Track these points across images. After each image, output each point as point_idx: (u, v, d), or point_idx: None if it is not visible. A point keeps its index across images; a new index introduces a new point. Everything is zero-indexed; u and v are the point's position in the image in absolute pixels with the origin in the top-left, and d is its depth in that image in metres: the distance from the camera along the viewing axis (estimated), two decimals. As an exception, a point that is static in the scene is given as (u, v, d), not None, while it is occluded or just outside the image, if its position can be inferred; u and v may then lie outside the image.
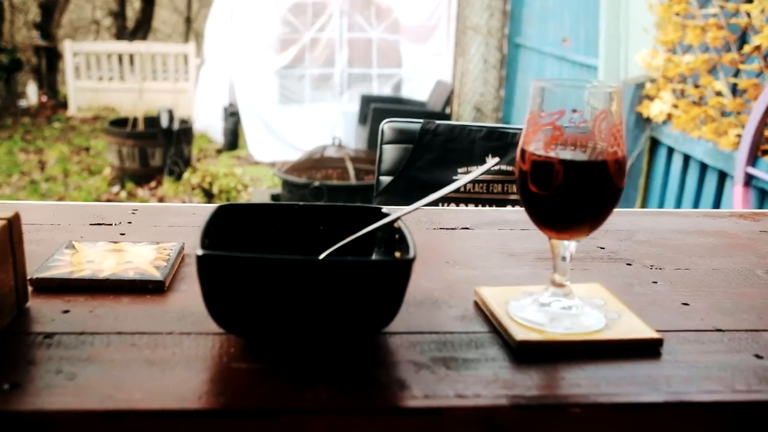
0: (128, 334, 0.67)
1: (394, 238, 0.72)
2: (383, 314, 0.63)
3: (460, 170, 1.67)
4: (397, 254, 0.69)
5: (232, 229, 0.74)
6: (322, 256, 0.71)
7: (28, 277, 0.75)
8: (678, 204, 3.36)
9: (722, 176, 3.06)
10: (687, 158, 3.30)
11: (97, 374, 0.59)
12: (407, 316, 0.72)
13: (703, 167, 3.18)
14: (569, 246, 0.69)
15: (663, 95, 3.34)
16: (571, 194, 0.64)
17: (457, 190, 1.69)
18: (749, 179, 2.82)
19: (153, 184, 5.62)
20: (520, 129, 1.74)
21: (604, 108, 0.66)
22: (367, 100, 6.43)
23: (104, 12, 11.37)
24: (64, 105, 8.75)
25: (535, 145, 0.66)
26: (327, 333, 0.64)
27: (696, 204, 3.22)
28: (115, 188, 5.61)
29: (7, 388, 0.57)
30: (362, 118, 6.36)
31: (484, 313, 0.74)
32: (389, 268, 0.62)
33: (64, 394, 0.56)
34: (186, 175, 5.42)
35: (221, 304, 0.62)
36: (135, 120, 5.82)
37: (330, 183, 4.28)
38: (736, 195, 2.89)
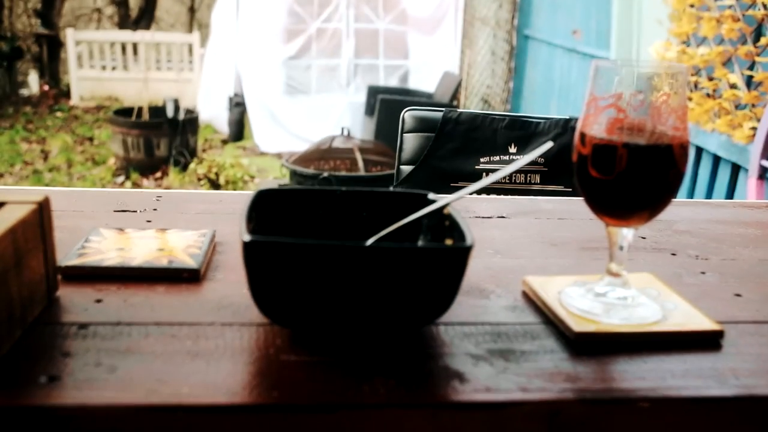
0: (167, 324, 0.64)
1: (442, 225, 0.69)
2: (438, 304, 0.60)
3: (482, 160, 1.64)
4: (448, 242, 0.66)
5: (272, 216, 0.70)
6: (369, 242, 0.68)
7: (57, 265, 0.72)
8: (690, 196, 3.32)
9: (735, 169, 3.02)
10: (700, 151, 3.26)
11: (138, 367, 0.56)
12: (456, 307, 0.69)
13: (716, 160, 3.14)
14: (627, 234, 0.66)
15: (676, 87, 3.29)
16: (635, 179, 0.61)
17: (478, 180, 1.66)
18: (764, 172, 2.79)
19: (158, 174, 5.58)
20: (544, 119, 1.71)
21: (666, 89, 0.63)
22: (374, 91, 6.38)
23: (106, 1, 11.30)
24: (66, 94, 8.70)
25: (596, 128, 0.63)
26: (378, 323, 0.61)
27: (708, 196, 3.18)
28: (120, 179, 5.57)
29: (44, 381, 0.54)
30: (369, 109, 6.32)
31: (534, 303, 0.71)
32: (448, 255, 0.59)
33: (106, 388, 0.53)
34: (192, 165, 5.38)
35: (268, 292, 0.59)
36: (139, 109, 5.78)
37: (339, 174, 4.25)
38: (751, 188, 2.86)
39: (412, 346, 0.62)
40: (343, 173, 4.43)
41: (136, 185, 5.42)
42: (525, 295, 0.73)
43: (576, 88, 5.15)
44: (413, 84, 7.01)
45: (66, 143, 6.68)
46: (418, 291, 0.59)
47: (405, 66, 7.10)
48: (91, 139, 6.91)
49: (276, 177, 5.43)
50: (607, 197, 0.63)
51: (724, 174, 3.10)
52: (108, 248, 0.78)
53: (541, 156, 1.60)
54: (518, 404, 0.54)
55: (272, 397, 0.53)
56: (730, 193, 3.05)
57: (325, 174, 4.07)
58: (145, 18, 10.60)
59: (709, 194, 3.19)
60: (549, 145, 0.64)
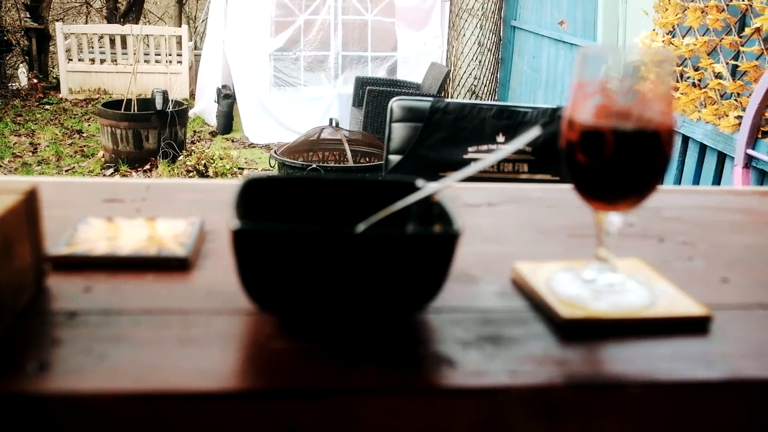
0: (156, 313, 0.64)
1: (431, 212, 0.69)
2: (427, 291, 0.60)
3: (470, 149, 1.64)
4: (437, 228, 0.66)
5: (261, 204, 0.70)
6: (358, 229, 0.68)
7: (46, 254, 0.72)
8: (677, 184, 3.34)
9: (722, 157, 3.04)
10: (686, 140, 3.28)
11: (128, 355, 0.56)
12: (446, 293, 0.69)
13: (703, 149, 3.16)
14: (615, 219, 0.67)
15: (663, 77, 3.30)
16: (623, 164, 0.62)
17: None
18: (749, 160, 2.81)
19: (147, 166, 5.55)
20: (532, 108, 1.71)
21: (653, 76, 0.63)
22: (362, 83, 6.37)
23: (94, -6, 11.21)
24: (55, 87, 8.65)
25: (584, 114, 0.63)
26: (367, 310, 0.61)
27: (695, 185, 3.20)
28: (109, 171, 5.54)
29: (34, 368, 0.54)
30: (357, 101, 6.31)
31: (523, 289, 0.71)
32: (436, 241, 0.59)
33: (96, 376, 0.53)
34: (181, 157, 5.36)
35: (256, 280, 0.59)
36: (128, 102, 5.74)
37: (328, 165, 4.24)
38: (737, 176, 2.88)
39: (402, 332, 0.62)
40: (332, 164, 4.42)
41: (125, 177, 5.40)
42: (514, 281, 0.74)
43: (563, 78, 5.16)
44: (401, 75, 7.00)
45: (55, 136, 6.64)
46: (407, 278, 0.59)
47: (393, 58, 7.09)
48: (80, 132, 6.87)
49: (265, 169, 5.42)
50: (595, 182, 0.64)
51: (710, 162, 3.12)
52: (97, 237, 0.78)
53: (528, 145, 1.61)
54: (508, 389, 0.54)
55: (262, 383, 0.53)
56: (717, 182, 3.07)
57: (314, 165, 4.06)
58: (134, 11, 10.53)
59: (695, 182, 3.21)
60: (536, 131, 0.64)
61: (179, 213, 0.91)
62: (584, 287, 0.68)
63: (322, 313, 0.61)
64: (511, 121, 1.66)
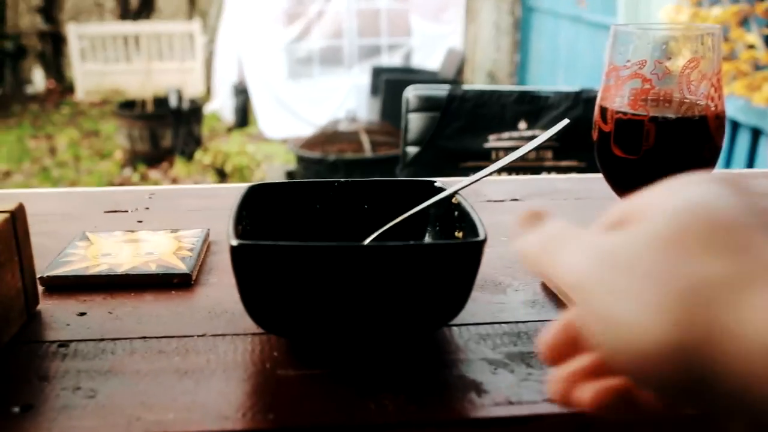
0: (154, 338, 0.58)
1: (451, 215, 0.62)
2: (449, 306, 0.54)
3: (491, 137, 1.57)
4: (458, 234, 0.60)
5: (266, 213, 0.64)
6: (368, 240, 0.62)
7: (38, 276, 0.67)
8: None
9: (756, 134, 2.93)
10: (715, 116, 3.16)
11: (120, 390, 0.51)
12: (470, 304, 0.63)
13: (735, 126, 3.05)
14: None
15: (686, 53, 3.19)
16: (666, 157, 0.55)
17: (488, 159, 1.59)
18: (785, 136, 2.70)
19: (165, 165, 5.53)
20: (553, 92, 1.63)
21: (695, 55, 0.56)
22: (377, 72, 6.29)
23: (106, -7, 11.21)
24: (71, 89, 8.66)
25: (618, 101, 0.56)
26: (383, 330, 0.55)
27: (728, 164, 3.09)
28: (127, 171, 5.53)
29: (17, 411, 0.49)
30: (373, 90, 6.23)
31: (557, 296, 0.65)
32: (458, 251, 0.52)
33: (83, 416, 0.48)
34: (197, 155, 5.33)
35: (261, 300, 0.53)
36: (144, 102, 5.72)
37: (346, 157, 4.18)
38: (772, 153, 2.77)
39: (423, 352, 0.56)
40: (350, 156, 4.36)
41: (143, 177, 5.38)
42: (545, 287, 0.67)
43: (583, 57, 5.05)
44: (417, 62, 6.91)
45: (73, 138, 6.64)
46: (426, 292, 0.53)
47: (408, 44, 7.00)
48: (97, 133, 6.87)
49: (282, 163, 5.38)
50: (634, 178, 0.57)
51: (743, 140, 3.01)
52: (94, 254, 0.73)
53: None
54: (543, 417, 0.48)
55: (268, 420, 0.47)
56: (750, 161, 2.96)
57: (332, 157, 4.00)
58: (146, 9, 10.52)
59: (727, 163, 3.10)
60: (565, 122, 0.57)
61: (184, 222, 0.86)
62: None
63: (333, 334, 0.55)
64: (533, 106, 1.59)
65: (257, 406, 0.49)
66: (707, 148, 0.55)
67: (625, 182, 0.58)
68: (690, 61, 0.56)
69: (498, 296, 0.65)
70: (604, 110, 0.57)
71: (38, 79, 8.86)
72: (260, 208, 0.64)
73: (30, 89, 8.65)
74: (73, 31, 8.25)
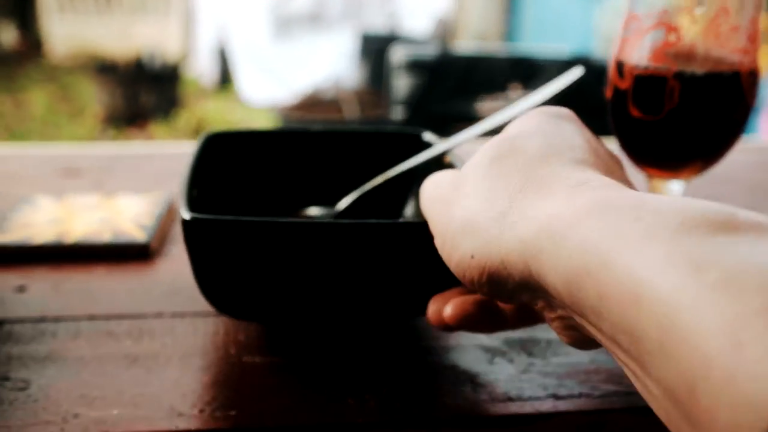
0: (103, 318, 0.51)
1: None
2: (434, 286, 0.46)
3: (482, 100, 1.50)
4: None
5: (227, 170, 0.57)
6: (342, 204, 0.55)
7: (-24, 244, 0.59)
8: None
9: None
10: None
11: (59, 381, 0.44)
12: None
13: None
14: (676, 190, 0.53)
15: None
16: (692, 118, 0.48)
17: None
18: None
19: (143, 126, 5.40)
20: (548, 60, 1.56)
21: (722, 4, 0.49)
22: (363, 37, 6.16)
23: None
24: (43, 45, 8.42)
25: (638, 54, 0.49)
26: (359, 315, 0.47)
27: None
28: (105, 132, 5.40)
29: (-65, 403, 0.41)
30: (360, 54, 6.11)
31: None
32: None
33: (10, 413, 0.41)
34: (176, 117, 5.21)
35: (217, 282, 0.45)
36: (121, 62, 5.56)
37: (332, 122, 4.08)
38: (764, 126, 2.72)
39: (410, 340, 0.49)
40: (338, 122, 4.27)
41: (120, 138, 5.25)
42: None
43: (574, 19, 4.95)
44: (405, 26, 6.78)
45: (48, 98, 6.46)
46: (407, 272, 0.45)
47: (395, 8, 6.86)
48: (72, 93, 6.69)
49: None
50: (654, 142, 0.50)
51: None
52: (41, 221, 0.65)
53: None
54: (547, 416, 0.41)
55: (229, 417, 0.40)
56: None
57: (318, 125, 3.91)
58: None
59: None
60: (579, 70, 0.49)
61: (149, 186, 0.78)
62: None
63: (302, 320, 0.48)
64: (524, 68, 1.51)
65: (217, 401, 0.42)
66: (738, 108, 0.48)
67: (643, 147, 0.51)
68: (721, 9, 0.49)
69: (493, 273, 0.59)
70: (620, 65, 0.49)
71: (8, 35, 8.60)
72: (220, 164, 0.56)
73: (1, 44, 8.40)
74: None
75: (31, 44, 8.41)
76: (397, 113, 1.50)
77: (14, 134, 5.42)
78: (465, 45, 6.29)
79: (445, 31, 5.90)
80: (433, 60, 1.46)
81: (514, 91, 1.44)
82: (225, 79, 6.70)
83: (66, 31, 8.19)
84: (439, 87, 1.47)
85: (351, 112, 4.20)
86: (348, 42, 6.49)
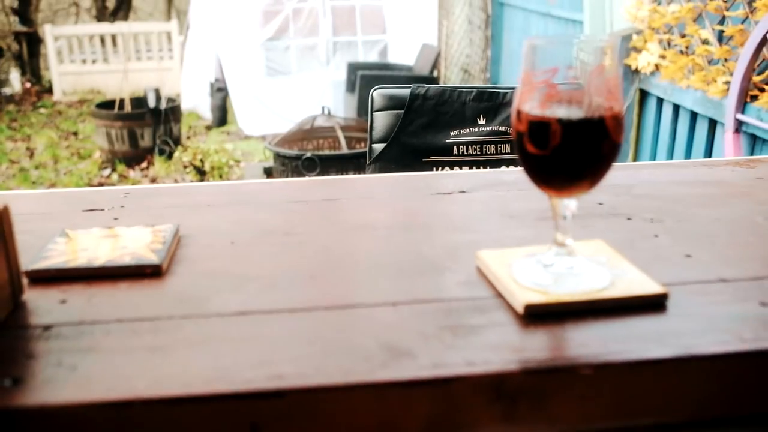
0: (128, 321, 0.66)
1: None
2: None
3: (452, 133, 1.65)
4: None
5: None
6: None
7: (23, 269, 0.74)
8: (670, 155, 3.34)
9: (713, 124, 3.04)
10: (677, 108, 3.27)
11: (98, 365, 0.59)
12: (410, 286, 0.71)
13: (694, 116, 3.16)
14: (570, 204, 0.68)
15: (650, 46, 3.30)
16: (570, 153, 0.63)
17: (450, 153, 1.67)
18: (739, 125, 2.81)
19: (144, 165, 5.58)
20: (511, 89, 1.72)
21: (597, 62, 0.64)
22: (353, 68, 6.37)
23: (82, -7, 11.17)
24: (48, 90, 8.66)
25: (530, 104, 0.64)
26: None
27: (688, 153, 3.20)
28: (106, 171, 5.56)
29: (8, 383, 0.56)
30: (350, 86, 6.31)
31: (487, 277, 0.73)
32: None
33: (66, 387, 0.55)
34: (177, 154, 5.38)
35: None
36: (122, 101, 5.75)
37: (322, 153, 4.25)
38: (727, 142, 2.88)
39: (366, 326, 0.64)
40: (327, 152, 4.44)
41: (122, 177, 5.42)
42: (479, 270, 0.75)
43: (554, 52, 5.13)
44: (393, 58, 6.99)
45: (51, 139, 6.66)
46: None
47: (383, 40, 7.08)
48: (75, 134, 6.89)
49: (261, 160, 5.44)
50: (545, 171, 0.65)
51: (701, 130, 3.12)
52: (73, 249, 0.80)
53: (510, 126, 1.62)
54: (463, 378, 0.56)
55: (222, 384, 0.55)
56: (709, 149, 3.07)
57: (308, 154, 4.07)
58: (123, 8, 10.50)
59: (688, 151, 3.21)
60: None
61: (157, 219, 0.93)
62: (545, 272, 0.70)
63: None
64: (491, 102, 1.67)
65: (216, 374, 0.57)
66: (606, 145, 0.63)
67: (539, 174, 0.66)
68: (595, 68, 0.64)
69: (436, 279, 0.74)
70: (519, 112, 0.65)
71: (14, 80, 8.83)
72: None
73: (6, 90, 8.62)
74: (49, 32, 8.24)
75: (37, 89, 8.63)
76: (377, 146, 1.66)
77: (26, 176, 5.58)
78: (450, 78, 6.48)
79: (431, 64, 6.10)
80: (408, 97, 1.63)
81: (481, 122, 1.60)
82: (223, 114, 6.89)
83: (69, 75, 8.41)
84: (413, 121, 1.63)
85: (341, 143, 4.37)
86: (339, 74, 6.70)
